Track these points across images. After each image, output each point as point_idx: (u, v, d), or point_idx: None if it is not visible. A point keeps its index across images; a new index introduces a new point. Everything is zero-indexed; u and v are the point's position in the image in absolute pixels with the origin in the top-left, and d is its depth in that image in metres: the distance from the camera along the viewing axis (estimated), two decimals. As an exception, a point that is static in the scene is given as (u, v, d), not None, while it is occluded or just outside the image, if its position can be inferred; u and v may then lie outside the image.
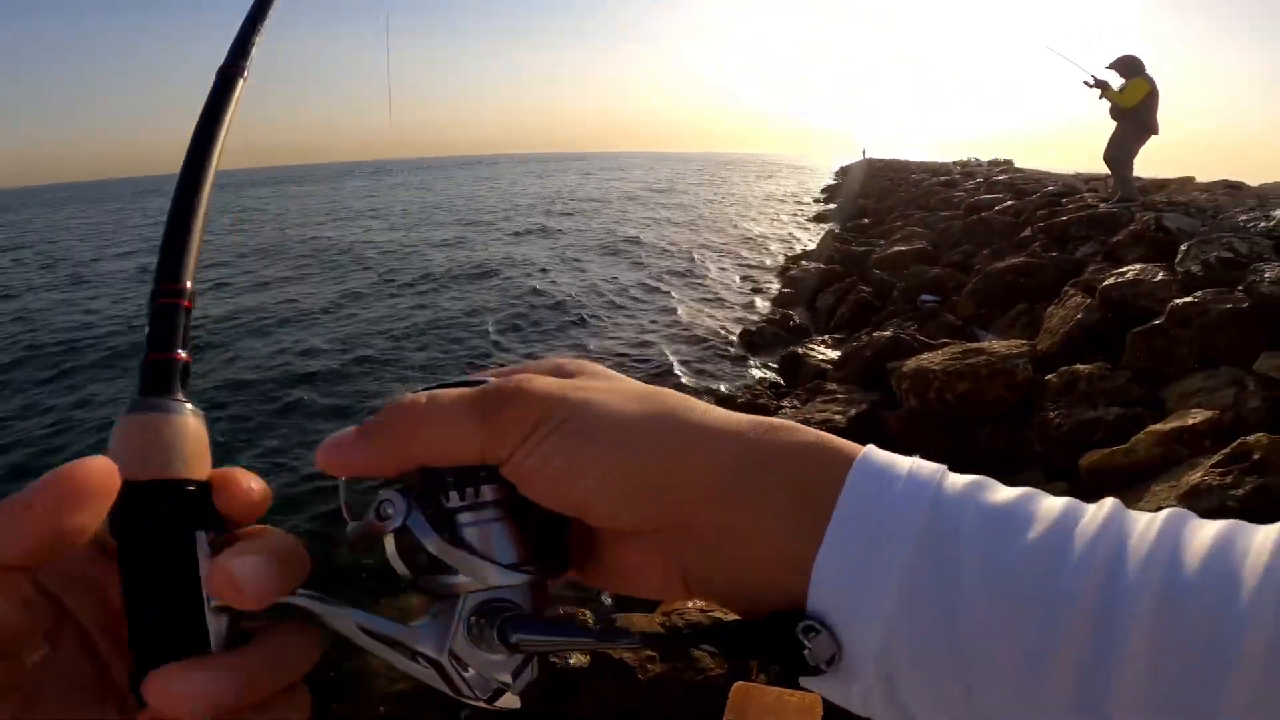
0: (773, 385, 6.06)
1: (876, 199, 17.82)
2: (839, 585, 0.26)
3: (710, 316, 9.06)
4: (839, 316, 7.26)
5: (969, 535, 0.26)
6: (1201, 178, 10.28)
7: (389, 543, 0.29)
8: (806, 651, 0.26)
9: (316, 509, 4.14)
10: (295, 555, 0.27)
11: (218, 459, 0.28)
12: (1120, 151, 6.99)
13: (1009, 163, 19.81)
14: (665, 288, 10.95)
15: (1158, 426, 2.87)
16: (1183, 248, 4.44)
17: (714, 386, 6.35)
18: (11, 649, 0.24)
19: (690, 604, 2.48)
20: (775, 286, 10.40)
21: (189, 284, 0.29)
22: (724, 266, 12.84)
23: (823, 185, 33.10)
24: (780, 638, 0.26)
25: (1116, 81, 6.85)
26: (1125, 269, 4.48)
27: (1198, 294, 3.68)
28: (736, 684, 1.11)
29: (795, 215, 21.78)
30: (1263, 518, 0.26)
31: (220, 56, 0.33)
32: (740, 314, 9.15)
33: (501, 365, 0.36)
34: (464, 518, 0.29)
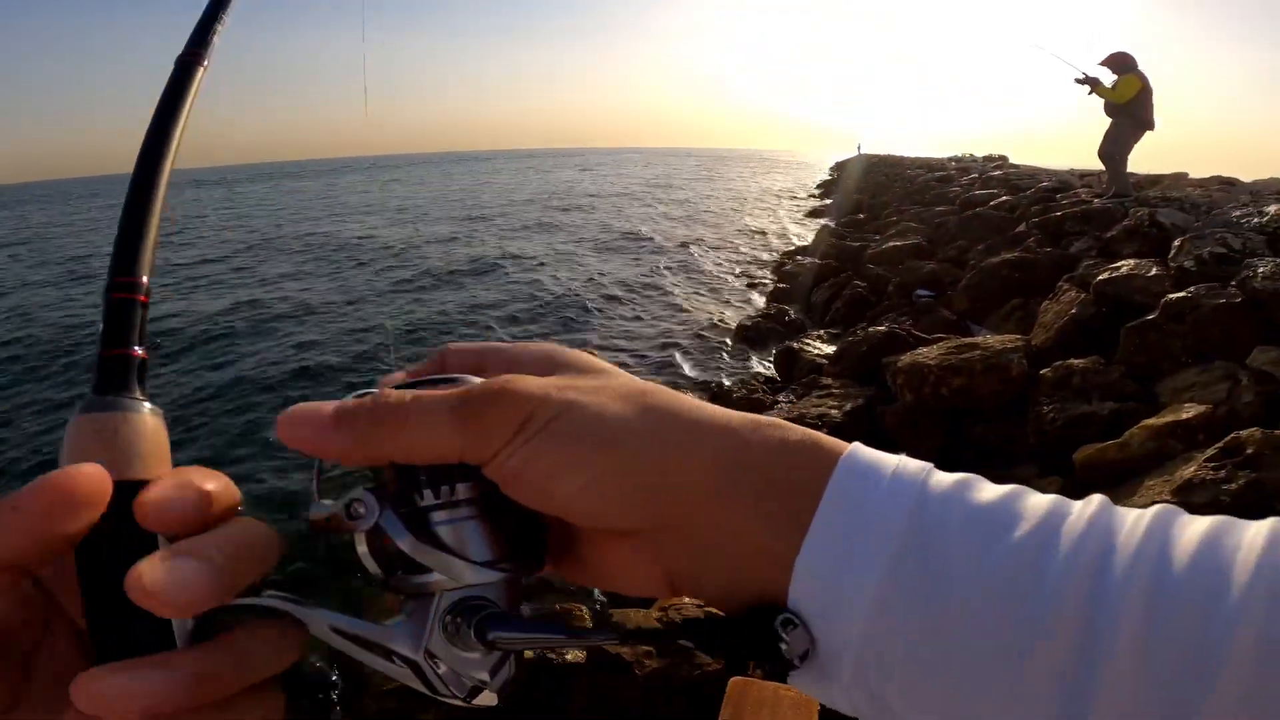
0: (768, 380, 6.06)
1: (872, 194, 17.82)
2: (820, 583, 0.26)
3: (706, 311, 9.07)
4: (834, 311, 7.27)
5: (954, 533, 0.26)
6: (1195, 174, 10.32)
7: (361, 542, 0.28)
8: (784, 645, 0.26)
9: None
10: (251, 553, 0.26)
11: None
12: (1115, 147, 7.02)
13: (1004, 158, 19.83)
14: (661, 283, 10.95)
15: (1151, 421, 2.88)
16: (1176, 243, 4.46)
17: (709, 381, 6.35)
18: (3, 642, 0.24)
19: (687, 600, 2.48)
20: (771, 281, 10.41)
21: (145, 279, 0.28)
22: (720, 261, 12.85)
23: (819, 181, 33.10)
24: (760, 633, 0.26)
25: (1109, 78, 6.86)
26: (1119, 264, 4.49)
27: (1191, 289, 3.69)
28: (733, 679, 1.11)
29: (792, 211, 21.79)
30: (1255, 512, 0.26)
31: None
32: (736, 309, 9.16)
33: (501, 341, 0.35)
34: (437, 516, 0.28)
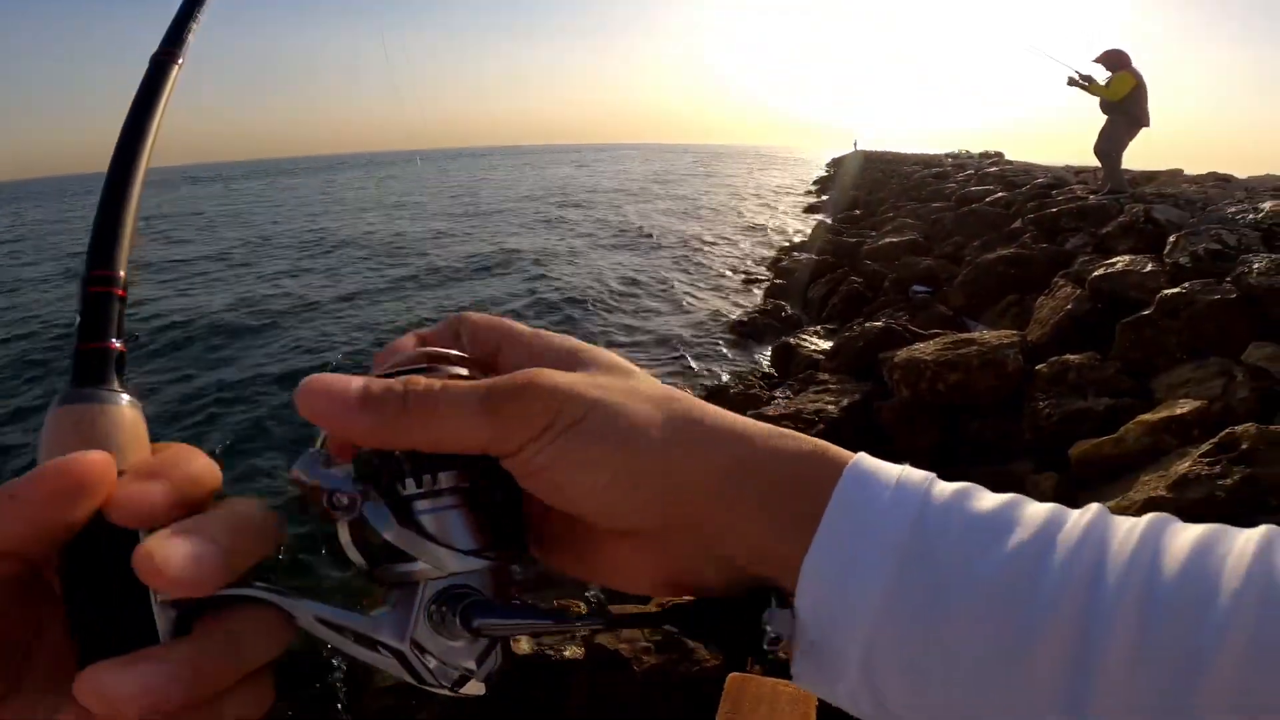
0: (765, 376, 6.06)
1: (869, 190, 17.83)
2: (826, 585, 0.27)
3: (703, 307, 9.08)
4: (831, 307, 7.27)
5: (953, 542, 0.27)
6: (1190, 170, 10.34)
7: (344, 532, 0.28)
8: (768, 629, 0.27)
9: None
10: (252, 533, 0.26)
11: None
12: (1110, 144, 7.03)
13: (1000, 155, 19.85)
14: (659, 278, 10.95)
15: (1147, 416, 2.89)
16: (1171, 239, 4.47)
17: (707, 377, 6.36)
18: (3, 628, 0.24)
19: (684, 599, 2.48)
20: (768, 277, 10.42)
21: (122, 272, 0.28)
22: (717, 257, 12.86)
23: (815, 177, 33.09)
24: (744, 620, 0.27)
25: (1103, 76, 6.87)
26: (1115, 260, 4.50)
27: (1186, 285, 3.70)
28: (731, 674, 1.11)
29: (789, 207, 21.79)
30: (1250, 508, 0.26)
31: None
32: (733, 304, 9.16)
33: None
34: (421, 505, 0.28)
